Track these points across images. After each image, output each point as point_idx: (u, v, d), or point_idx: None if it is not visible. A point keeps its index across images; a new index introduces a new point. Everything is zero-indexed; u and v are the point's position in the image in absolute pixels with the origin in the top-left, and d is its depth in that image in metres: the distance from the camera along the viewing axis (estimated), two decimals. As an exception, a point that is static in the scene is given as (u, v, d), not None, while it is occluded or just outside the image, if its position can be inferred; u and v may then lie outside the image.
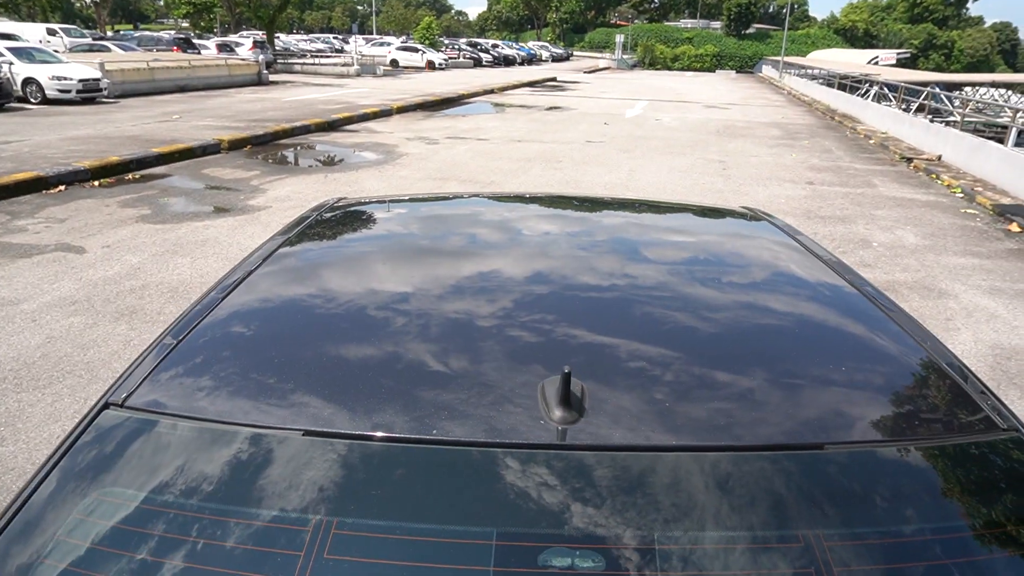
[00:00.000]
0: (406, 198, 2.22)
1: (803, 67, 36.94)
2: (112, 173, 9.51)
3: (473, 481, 0.86)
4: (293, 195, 8.61)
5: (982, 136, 12.02)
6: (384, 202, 2.16)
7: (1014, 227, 8.07)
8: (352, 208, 2.00)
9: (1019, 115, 11.82)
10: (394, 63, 38.59)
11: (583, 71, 44.88)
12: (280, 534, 0.80)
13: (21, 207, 7.75)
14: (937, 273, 6.37)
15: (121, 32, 50.07)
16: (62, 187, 8.68)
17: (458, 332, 1.18)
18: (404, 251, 1.65)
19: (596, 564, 0.76)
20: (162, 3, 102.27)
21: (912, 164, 12.09)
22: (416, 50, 39.85)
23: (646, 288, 1.38)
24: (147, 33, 34.58)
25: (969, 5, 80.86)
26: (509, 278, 1.39)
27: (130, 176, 9.56)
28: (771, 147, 14.03)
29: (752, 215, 2.05)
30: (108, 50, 27.19)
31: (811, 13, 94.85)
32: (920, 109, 15.77)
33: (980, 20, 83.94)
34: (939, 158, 12.23)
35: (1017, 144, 10.71)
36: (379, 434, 0.91)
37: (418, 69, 37.61)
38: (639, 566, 0.76)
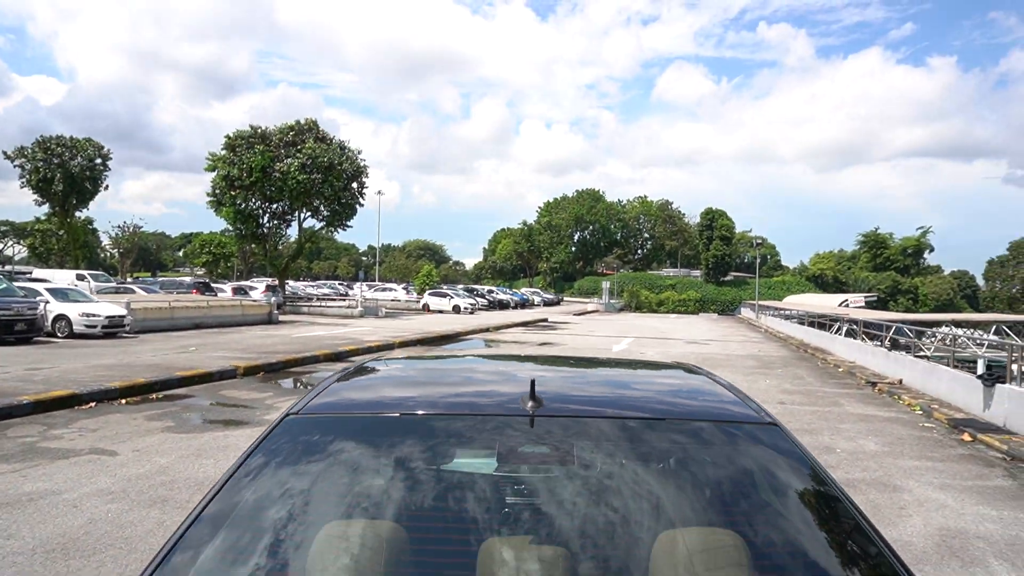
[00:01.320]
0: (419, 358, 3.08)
1: (779, 309, 39.75)
2: (138, 393, 10.34)
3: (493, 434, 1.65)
4: (305, 411, 9.35)
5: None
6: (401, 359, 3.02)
7: (966, 436, 8.79)
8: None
9: (984, 348, 13.02)
10: (426, 307, 41.62)
11: (573, 313, 47.86)
12: None
13: (55, 419, 8.45)
14: (894, 472, 6.97)
15: (140, 278, 53.95)
16: (92, 404, 9.45)
17: (474, 398, 1.99)
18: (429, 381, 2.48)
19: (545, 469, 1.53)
20: (180, 254, 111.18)
21: (876, 387, 13.04)
22: (445, 295, 42.73)
23: (582, 384, 2.22)
24: (169, 278, 37.56)
25: (926, 255, 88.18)
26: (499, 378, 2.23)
27: (154, 396, 10.38)
28: (747, 374, 15.08)
29: (688, 368, 2.85)
30: (133, 292, 29.47)
31: (783, 262, 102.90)
32: (894, 345, 17.17)
33: (939, 269, 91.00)
34: (900, 381, 13.23)
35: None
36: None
37: (441, 311, 39.99)
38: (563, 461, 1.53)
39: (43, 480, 5.90)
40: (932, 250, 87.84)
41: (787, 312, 35.52)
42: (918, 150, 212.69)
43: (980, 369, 11.69)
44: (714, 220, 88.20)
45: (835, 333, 22.42)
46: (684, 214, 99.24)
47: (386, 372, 2.39)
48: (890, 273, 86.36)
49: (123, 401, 9.83)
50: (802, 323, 27.95)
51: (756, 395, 11.97)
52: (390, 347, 18.81)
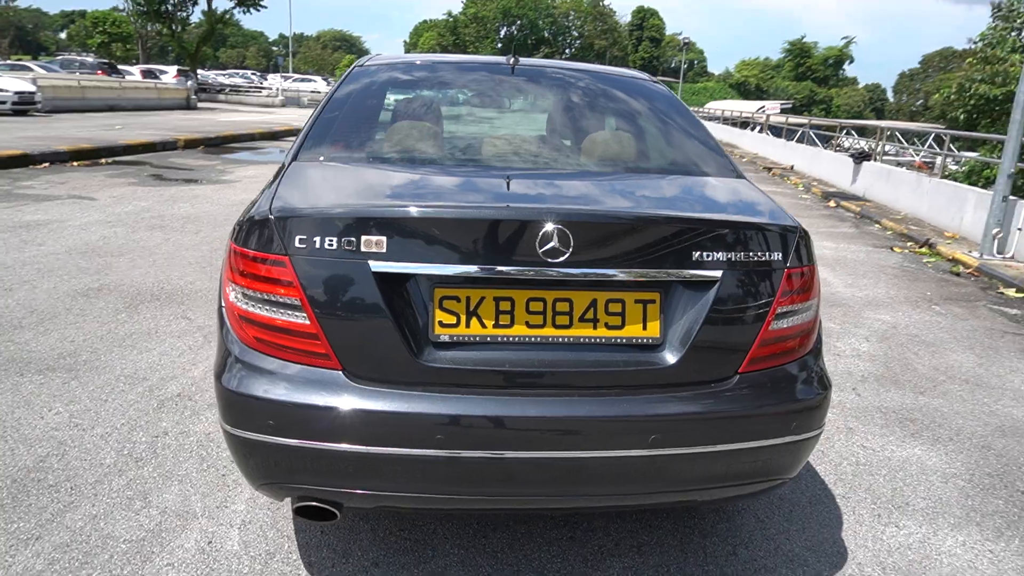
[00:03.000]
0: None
1: (698, 111, 41.15)
2: (86, 157, 10.68)
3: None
4: (259, 175, 10.08)
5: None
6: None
7: (831, 203, 10.61)
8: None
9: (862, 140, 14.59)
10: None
11: (499, 110, 47.78)
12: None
13: (19, 175, 8.89)
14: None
15: (22, 60, 49.17)
16: (46, 164, 9.82)
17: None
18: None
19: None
20: (64, 36, 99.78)
21: (771, 171, 14.75)
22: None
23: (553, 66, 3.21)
24: (69, 58, 34.64)
25: (846, 67, 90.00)
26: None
27: (103, 161, 10.76)
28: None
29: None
30: (30, 69, 27.42)
31: (709, 68, 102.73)
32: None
33: (855, 81, 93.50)
34: (792, 167, 14.95)
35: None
36: None
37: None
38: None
39: (41, 213, 6.63)
40: (852, 61, 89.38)
41: (704, 113, 37.01)
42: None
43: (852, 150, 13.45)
44: (645, 20, 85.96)
45: (745, 129, 24.03)
46: (615, 12, 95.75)
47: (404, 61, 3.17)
48: (808, 83, 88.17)
49: (74, 164, 10.21)
50: (716, 122, 29.78)
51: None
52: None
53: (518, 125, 2.73)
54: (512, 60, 2.76)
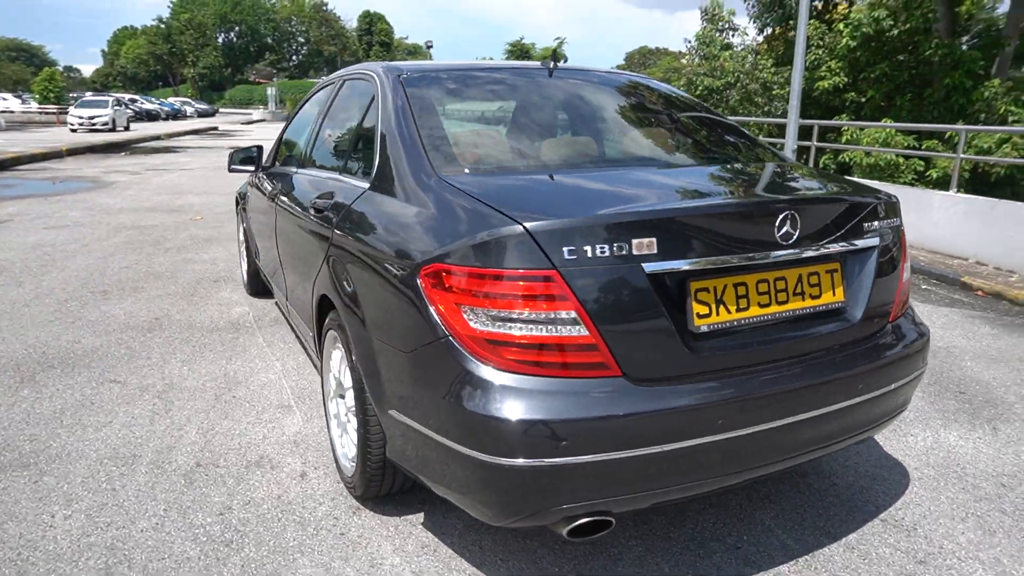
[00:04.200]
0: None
1: None
2: None
3: None
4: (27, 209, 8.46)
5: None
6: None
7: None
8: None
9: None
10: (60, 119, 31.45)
11: (241, 123, 44.60)
12: None
13: None
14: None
15: None
16: None
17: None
18: None
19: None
20: None
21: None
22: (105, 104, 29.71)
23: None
24: None
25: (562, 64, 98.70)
26: None
27: None
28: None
29: None
30: None
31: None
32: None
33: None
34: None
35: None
36: None
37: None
38: None
39: None
40: (566, 60, 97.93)
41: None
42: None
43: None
44: (373, 24, 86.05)
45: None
46: (340, 17, 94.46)
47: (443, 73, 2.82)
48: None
49: None
50: None
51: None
52: (59, 154, 16.33)
53: (606, 125, 2.77)
54: (552, 65, 2.80)
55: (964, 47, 16.49)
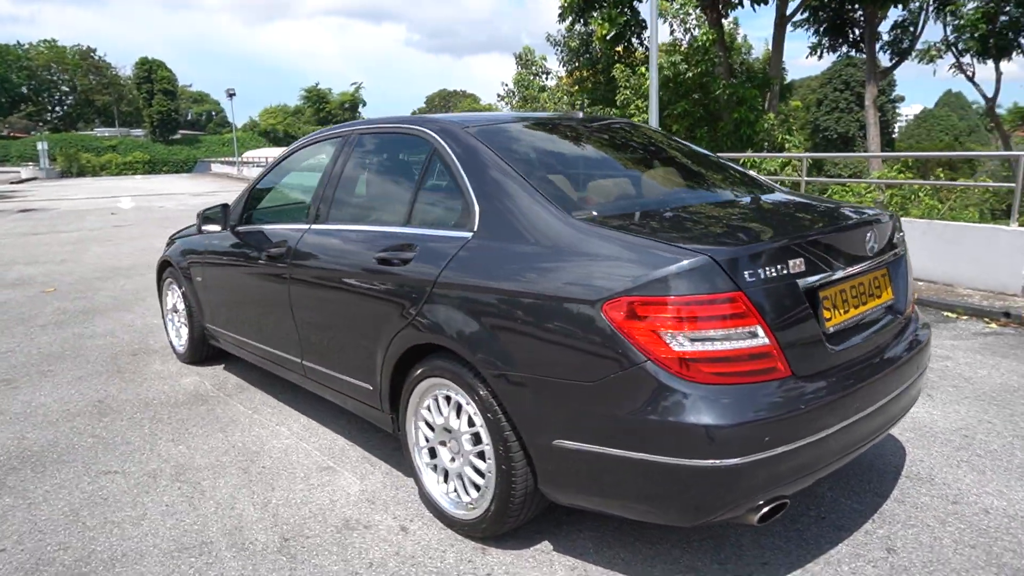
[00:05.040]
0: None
1: (251, 161, 41.27)
2: None
3: None
4: None
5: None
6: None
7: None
8: None
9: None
10: None
11: (10, 182, 39.17)
12: None
13: None
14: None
15: None
16: None
17: None
18: None
19: None
20: None
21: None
22: None
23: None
24: None
25: (361, 109, 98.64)
26: None
27: None
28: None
29: None
30: None
31: (230, 119, 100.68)
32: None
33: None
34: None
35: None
36: None
37: None
38: None
39: None
40: (365, 104, 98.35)
41: (248, 162, 38.76)
42: (334, 8, 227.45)
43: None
44: (152, 72, 79.95)
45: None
46: (112, 65, 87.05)
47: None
48: (331, 125, 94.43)
49: None
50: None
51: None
52: None
53: (666, 164, 3.08)
54: (585, 113, 3.09)
55: (746, 86, 19.16)
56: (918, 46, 25.72)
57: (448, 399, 2.51)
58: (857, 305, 2.29)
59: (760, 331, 1.92)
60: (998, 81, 25.97)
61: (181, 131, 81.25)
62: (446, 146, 2.67)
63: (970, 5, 24.84)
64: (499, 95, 22.38)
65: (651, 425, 1.91)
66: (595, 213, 2.29)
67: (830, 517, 2.59)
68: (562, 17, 22.32)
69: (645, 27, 22.04)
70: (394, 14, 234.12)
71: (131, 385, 4.27)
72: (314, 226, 3.23)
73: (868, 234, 2.31)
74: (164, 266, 4.77)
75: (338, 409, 3.75)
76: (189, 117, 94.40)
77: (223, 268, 3.95)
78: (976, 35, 24.38)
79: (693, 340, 1.89)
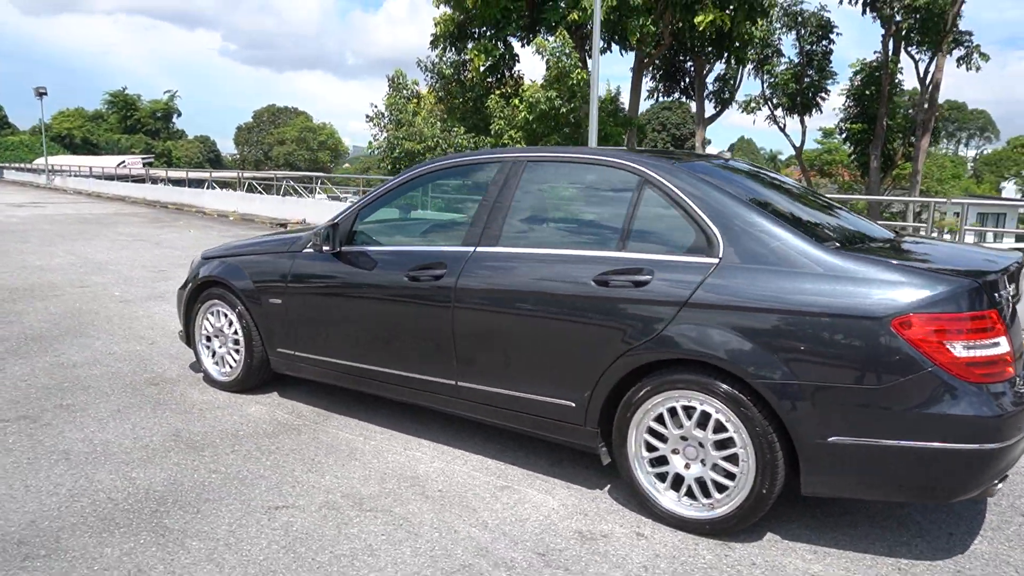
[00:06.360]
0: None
1: (63, 169, 36.75)
2: None
3: None
4: None
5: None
6: None
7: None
8: None
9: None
10: None
11: None
12: None
13: None
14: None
15: None
16: None
17: None
18: None
19: None
20: None
21: (286, 227, 15.28)
22: None
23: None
24: None
25: (175, 119, 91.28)
26: None
27: None
28: (143, 226, 14.89)
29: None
30: None
31: (12, 120, 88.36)
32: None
33: (184, 133, 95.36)
34: (303, 220, 15.78)
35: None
36: None
37: None
38: None
39: None
40: (180, 115, 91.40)
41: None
42: (138, 7, 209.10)
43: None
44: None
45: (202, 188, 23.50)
46: None
47: None
48: (141, 136, 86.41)
49: None
50: (144, 181, 28.73)
51: (171, 244, 12.55)
52: None
53: (810, 202, 3.49)
54: (730, 156, 3.47)
55: (609, 123, 20.68)
56: (740, 98, 29.42)
57: (687, 409, 2.73)
58: None
59: (1003, 340, 2.41)
60: (803, 133, 30.48)
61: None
62: (661, 179, 2.91)
63: (782, 66, 28.88)
64: (368, 116, 22.12)
65: (934, 419, 2.32)
66: (836, 244, 2.68)
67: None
68: (434, 44, 22.73)
69: (518, 60, 23.13)
70: (208, 20, 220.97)
71: (191, 417, 3.92)
72: (480, 248, 3.28)
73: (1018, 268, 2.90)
74: (203, 287, 4.42)
75: (452, 431, 3.76)
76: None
77: (324, 290, 3.81)
78: (787, 92, 28.39)
79: (967, 348, 2.34)
